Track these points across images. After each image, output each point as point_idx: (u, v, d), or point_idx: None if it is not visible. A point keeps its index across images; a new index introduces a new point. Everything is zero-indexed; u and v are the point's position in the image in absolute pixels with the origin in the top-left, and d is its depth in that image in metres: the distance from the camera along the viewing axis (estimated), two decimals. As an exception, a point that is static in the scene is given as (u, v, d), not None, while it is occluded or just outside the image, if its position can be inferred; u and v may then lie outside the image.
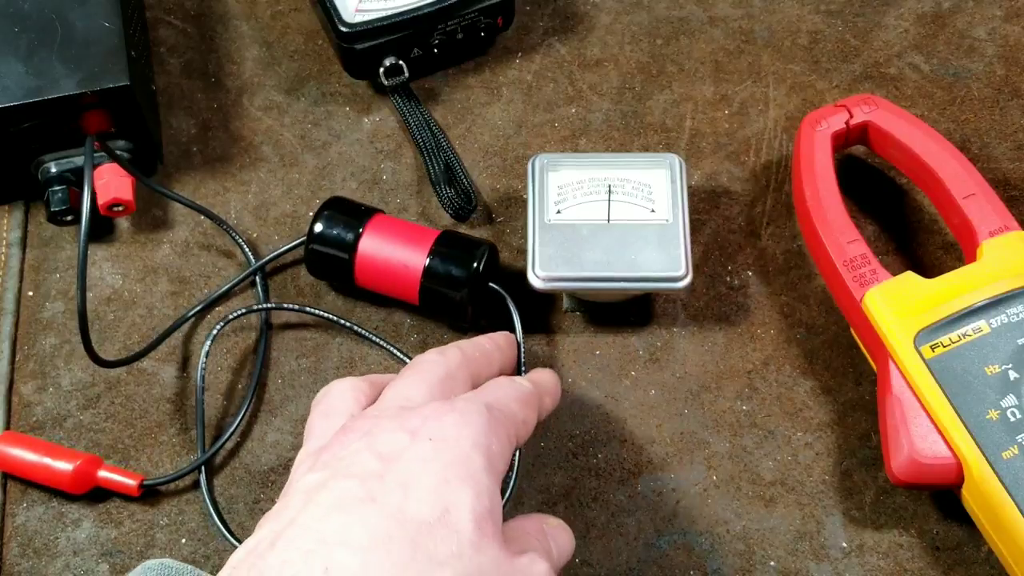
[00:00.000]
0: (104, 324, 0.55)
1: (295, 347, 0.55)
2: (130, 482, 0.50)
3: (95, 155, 0.54)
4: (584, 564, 0.49)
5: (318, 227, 0.53)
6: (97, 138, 0.53)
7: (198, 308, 0.55)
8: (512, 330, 0.51)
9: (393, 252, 0.52)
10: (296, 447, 0.51)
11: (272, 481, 0.51)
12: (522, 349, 0.51)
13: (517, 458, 0.50)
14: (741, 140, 0.60)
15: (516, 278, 0.54)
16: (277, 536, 0.37)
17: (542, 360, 0.54)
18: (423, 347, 0.54)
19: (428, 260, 0.52)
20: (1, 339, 0.55)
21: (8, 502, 0.51)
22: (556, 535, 0.43)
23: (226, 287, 0.56)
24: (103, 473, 0.50)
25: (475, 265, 0.52)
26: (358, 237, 0.53)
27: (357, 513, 0.37)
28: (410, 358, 0.53)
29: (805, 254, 0.56)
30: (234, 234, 0.57)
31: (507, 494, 0.50)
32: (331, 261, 0.53)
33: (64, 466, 0.50)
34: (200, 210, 0.57)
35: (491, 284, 0.53)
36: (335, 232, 0.53)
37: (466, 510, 0.38)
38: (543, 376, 0.48)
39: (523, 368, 0.51)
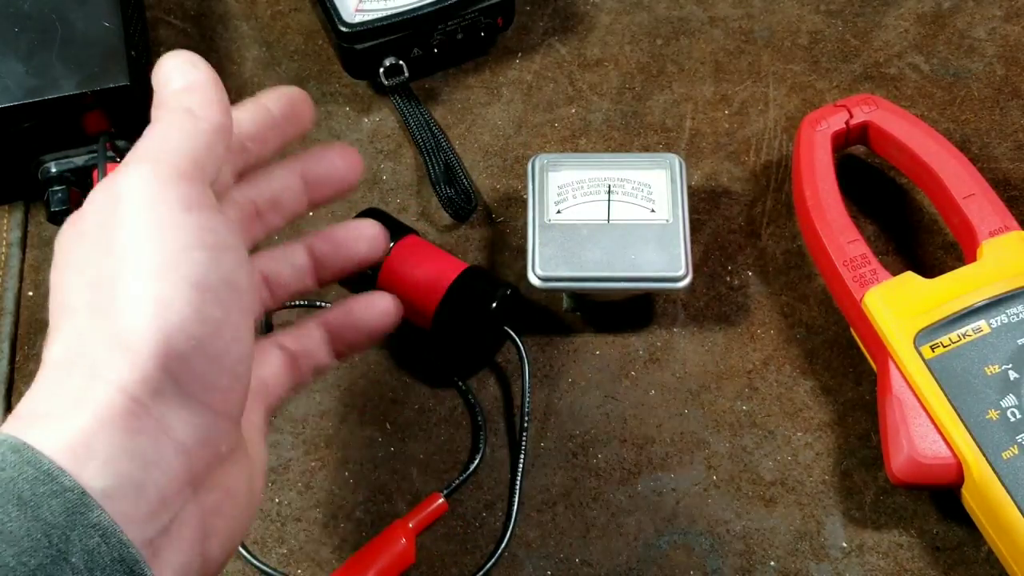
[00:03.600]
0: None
1: (295, 347, 0.55)
2: None
3: (94, 155, 0.54)
4: (584, 564, 0.49)
5: None
6: (108, 138, 0.53)
7: None
8: (522, 373, 0.52)
9: (415, 279, 0.51)
10: (296, 447, 0.52)
11: (272, 481, 0.51)
12: (528, 398, 0.51)
13: (484, 438, 0.50)
14: (741, 140, 0.60)
15: (531, 317, 0.54)
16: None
17: (543, 360, 0.54)
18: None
19: (445, 295, 0.51)
20: (1, 339, 0.55)
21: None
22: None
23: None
24: None
25: (491, 307, 0.51)
26: (386, 254, 0.51)
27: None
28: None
29: (805, 254, 0.56)
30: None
31: (478, 458, 0.50)
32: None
33: None
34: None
35: (505, 328, 0.52)
36: None
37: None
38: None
39: (527, 411, 0.51)
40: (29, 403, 0.33)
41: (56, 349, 0.34)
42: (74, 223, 0.36)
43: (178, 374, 0.33)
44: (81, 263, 0.34)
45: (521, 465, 0.50)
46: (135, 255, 0.33)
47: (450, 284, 0.51)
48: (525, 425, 0.51)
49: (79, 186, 0.55)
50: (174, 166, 0.35)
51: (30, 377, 0.54)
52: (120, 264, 0.33)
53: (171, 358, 0.33)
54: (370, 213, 0.54)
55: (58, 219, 0.55)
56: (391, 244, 0.52)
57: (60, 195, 0.54)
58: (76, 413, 0.32)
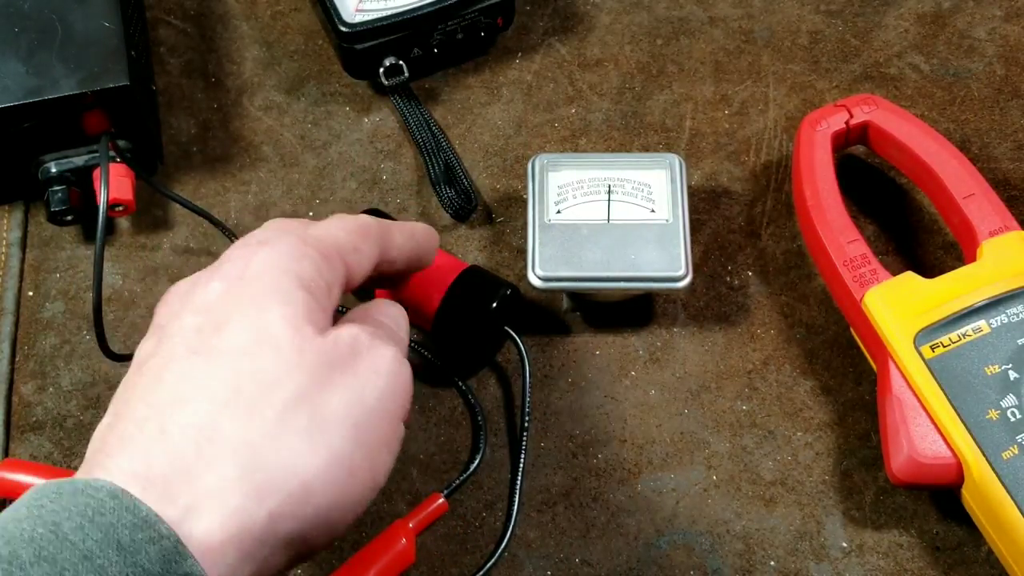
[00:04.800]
0: (104, 324, 0.55)
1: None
2: None
3: (94, 156, 0.54)
4: (584, 564, 0.49)
5: None
6: (111, 138, 0.54)
7: None
8: (522, 373, 0.52)
9: (415, 279, 0.51)
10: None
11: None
12: (528, 398, 0.51)
13: (484, 437, 0.51)
14: (741, 140, 0.60)
15: (531, 317, 0.54)
16: (116, 416, 0.36)
17: (543, 360, 0.54)
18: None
19: (445, 295, 0.51)
20: (1, 339, 0.55)
21: (8, 502, 0.51)
22: (383, 311, 0.43)
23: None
24: None
25: (491, 307, 0.51)
26: None
27: (179, 370, 0.36)
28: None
29: (805, 254, 0.56)
30: (234, 238, 0.57)
31: (478, 458, 0.50)
32: None
33: None
34: (201, 213, 0.57)
35: (506, 328, 0.52)
36: None
37: (278, 320, 0.37)
38: (411, 223, 0.47)
39: (528, 411, 0.51)
40: (136, 457, 0.34)
41: (190, 423, 0.35)
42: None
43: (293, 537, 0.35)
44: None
45: (522, 465, 0.50)
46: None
47: (450, 284, 0.51)
48: (526, 425, 0.51)
49: (79, 186, 0.55)
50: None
51: (30, 377, 0.54)
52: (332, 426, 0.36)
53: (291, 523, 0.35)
54: (370, 213, 0.54)
55: (58, 219, 0.55)
56: None
57: (60, 195, 0.54)
58: (193, 504, 0.33)
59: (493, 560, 0.49)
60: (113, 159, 0.54)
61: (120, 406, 0.37)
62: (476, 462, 0.51)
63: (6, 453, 0.52)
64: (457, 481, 0.50)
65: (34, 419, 0.53)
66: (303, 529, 0.35)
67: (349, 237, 0.42)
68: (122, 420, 0.36)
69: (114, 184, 0.54)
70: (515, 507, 0.50)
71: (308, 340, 0.37)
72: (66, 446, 0.52)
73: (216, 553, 0.33)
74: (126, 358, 0.52)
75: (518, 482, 0.50)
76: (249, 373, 0.36)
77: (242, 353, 0.36)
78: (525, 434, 0.51)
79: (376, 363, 0.38)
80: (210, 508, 0.33)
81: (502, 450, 0.52)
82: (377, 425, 0.38)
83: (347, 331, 0.38)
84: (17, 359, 0.55)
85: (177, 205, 0.58)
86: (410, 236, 0.46)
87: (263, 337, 0.36)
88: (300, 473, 0.35)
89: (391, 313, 0.43)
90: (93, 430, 0.52)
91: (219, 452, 0.34)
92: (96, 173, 0.54)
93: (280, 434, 0.35)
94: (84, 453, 0.51)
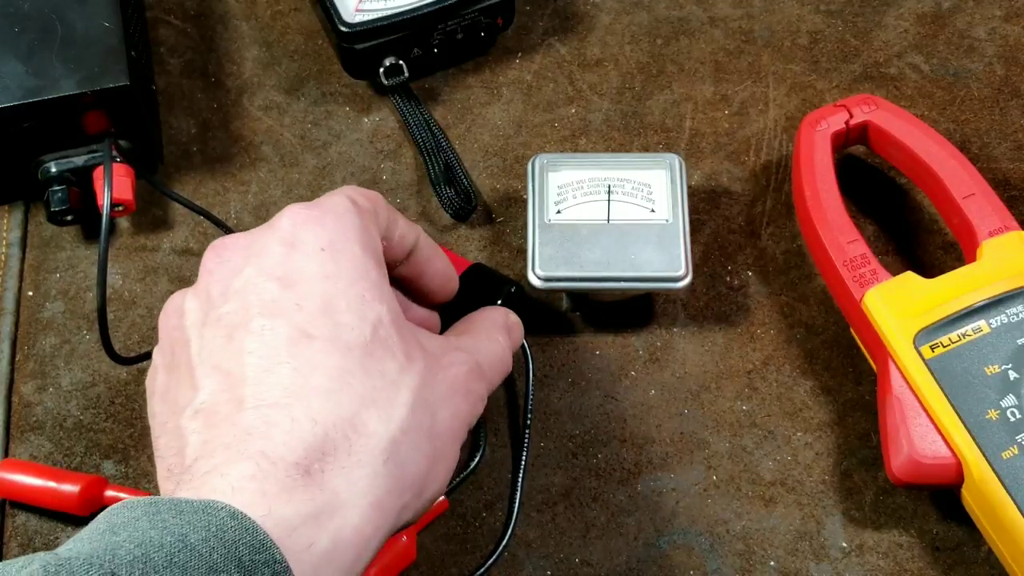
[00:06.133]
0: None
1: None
2: None
3: (94, 156, 0.54)
4: (584, 564, 0.49)
5: None
6: (113, 139, 0.54)
7: None
8: (525, 372, 0.52)
9: None
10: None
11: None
12: (531, 397, 0.52)
13: (484, 436, 0.51)
14: (741, 140, 0.60)
15: (531, 317, 0.53)
16: (234, 394, 0.36)
17: (543, 360, 0.54)
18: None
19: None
20: (1, 339, 0.55)
21: (8, 502, 0.51)
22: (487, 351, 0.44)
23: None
24: (110, 493, 0.50)
25: (496, 303, 0.50)
26: None
27: (304, 355, 0.36)
28: None
29: (805, 254, 0.56)
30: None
31: (478, 457, 0.51)
32: None
33: (70, 488, 0.49)
34: (201, 212, 0.57)
35: None
36: None
37: (387, 323, 0.38)
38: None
39: (529, 411, 0.51)
40: (251, 484, 0.34)
41: (332, 414, 0.36)
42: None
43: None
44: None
45: (523, 464, 0.50)
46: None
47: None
48: (528, 423, 0.51)
49: (79, 186, 0.55)
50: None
51: (30, 377, 0.54)
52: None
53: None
54: None
55: (58, 219, 0.55)
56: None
57: (60, 195, 0.54)
58: (334, 500, 0.35)
59: (493, 560, 0.49)
60: (114, 159, 0.54)
61: (231, 382, 0.36)
62: (476, 461, 0.51)
63: (6, 453, 0.52)
64: (457, 481, 0.50)
65: (34, 419, 0.53)
66: (408, 520, 0.38)
67: (381, 206, 0.43)
68: (253, 400, 0.35)
69: (115, 184, 0.54)
70: (515, 507, 0.50)
71: (413, 349, 0.39)
72: (66, 446, 0.52)
73: (359, 546, 0.35)
74: (131, 361, 0.52)
75: (519, 481, 0.50)
76: (375, 374, 0.37)
77: (363, 351, 0.37)
78: (528, 430, 0.51)
79: (473, 392, 0.42)
80: (357, 504, 0.35)
81: (502, 450, 0.52)
82: (461, 433, 0.41)
83: (455, 357, 0.41)
84: (17, 359, 0.55)
85: (177, 205, 0.58)
86: (413, 226, 0.46)
87: (378, 338, 0.38)
88: (421, 470, 0.37)
89: (493, 351, 0.44)
90: (92, 430, 0.52)
91: (366, 445, 0.36)
92: (96, 173, 0.54)
93: (410, 430, 0.37)
94: (84, 453, 0.52)
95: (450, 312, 0.50)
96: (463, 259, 0.53)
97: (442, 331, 0.48)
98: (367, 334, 0.37)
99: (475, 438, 0.51)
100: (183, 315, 0.39)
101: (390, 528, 0.36)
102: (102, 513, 0.34)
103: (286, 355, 0.36)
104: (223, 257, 0.39)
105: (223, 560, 0.31)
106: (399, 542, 0.48)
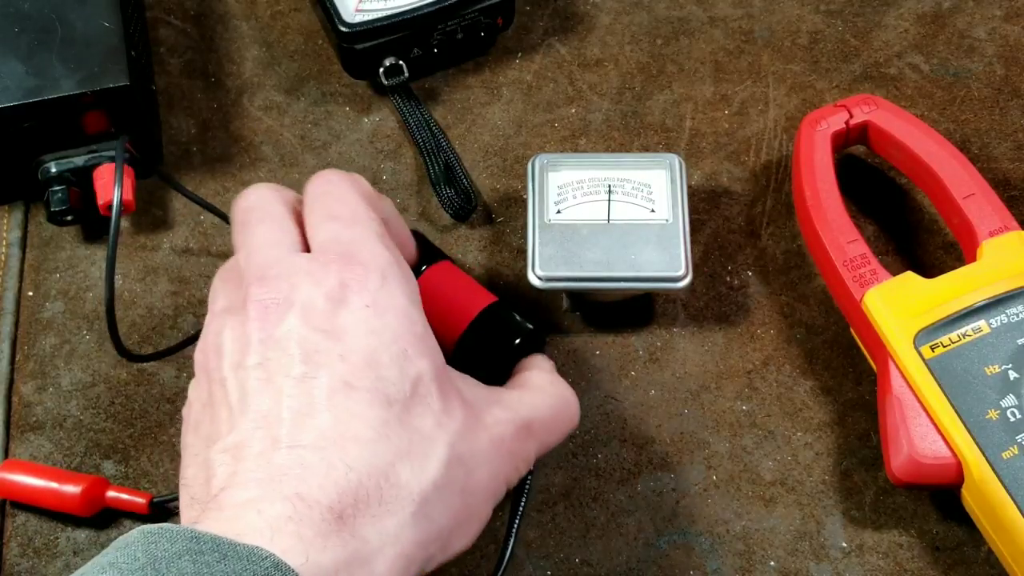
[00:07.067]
0: (105, 324, 0.55)
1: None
2: (139, 500, 0.50)
3: (94, 156, 0.54)
4: (584, 564, 0.49)
5: None
6: (110, 138, 0.54)
7: None
8: None
9: (438, 310, 0.48)
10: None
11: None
12: None
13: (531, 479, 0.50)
14: (741, 140, 0.60)
15: (531, 317, 0.51)
16: (269, 432, 0.36)
17: (542, 360, 0.54)
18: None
19: (465, 332, 0.48)
20: (1, 339, 0.55)
21: (8, 501, 0.51)
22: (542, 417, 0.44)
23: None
24: (112, 494, 0.50)
25: (508, 355, 0.48)
26: (417, 275, 0.48)
27: (344, 404, 0.37)
28: None
29: (805, 254, 0.56)
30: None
31: (526, 492, 0.49)
32: None
33: (73, 489, 0.50)
34: (207, 206, 0.56)
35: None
36: None
37: (428, 379, 0.38)
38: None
39: None
40: (286, 530, 0.34)
41: (365, 462, 0.36)
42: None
43: None
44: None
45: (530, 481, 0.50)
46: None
47: (471, 321, 0.49)
48: None
49: (79, 186, 0.55)
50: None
51: (30, 377, 0.54)
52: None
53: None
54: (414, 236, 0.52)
55: (58, 219, 0.55)
56: (423, 268, 0.50)
57: (60, 195, 0.54)
58: (366, 548, 0.35)
59: (502, 569, 0.48)
60: (101, 162, 0.54)
61: (269, 424, 0.36)
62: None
63: (6, 453, 0.52)
64: None
65: (34, 419, 0.53)
66: (429, 570, 0.38)
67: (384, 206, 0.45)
68: (290, 441, 0.36)
69: (112, 184, 0.54)
70: (520, 510, 0.49)
71: (452, 405, 0.39)
72: (66, 446, 0.52)
73: None
74: (143, 359, 0.52)
75: (525, 484, 0.50)
76: (412, 428, 0.37)
77: (403, 406, 0.38)
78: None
79: (518, 453, 0.42)
80: (385, 554, 0.35)
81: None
82: (499, 492, 0.42)
83: (504, 417, 0.42)
84: (17, 359, 0.55)
85: (177, 205, 0.58)
86: (385, 199, 0.47)
87: (417, 394, 0.38)
88: (449, 524, 0.38)
89: (546, 406, 0.45)
90: (92, 430, 0.52)
91: (397, 496, 0.36)
92: (96, 173, 0.54)
93: (443, 485, 0.38)
94: (84, 453, 0.52)
95: (465, 354, 0.49)
96: (487, 293, 0.50)
97: (450, 362, 0.46)
98: (407, 390, 0.38)
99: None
100: (222, 356, 0.39)
101: None
102: (135, 534, 0.33)
103: (326, 403, 0.37)
104: (264, 302, 0.39)
105: None
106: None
